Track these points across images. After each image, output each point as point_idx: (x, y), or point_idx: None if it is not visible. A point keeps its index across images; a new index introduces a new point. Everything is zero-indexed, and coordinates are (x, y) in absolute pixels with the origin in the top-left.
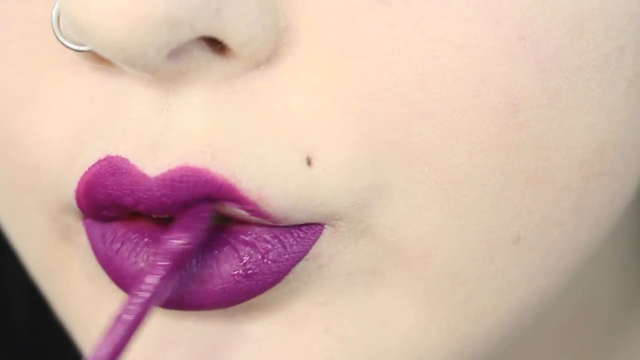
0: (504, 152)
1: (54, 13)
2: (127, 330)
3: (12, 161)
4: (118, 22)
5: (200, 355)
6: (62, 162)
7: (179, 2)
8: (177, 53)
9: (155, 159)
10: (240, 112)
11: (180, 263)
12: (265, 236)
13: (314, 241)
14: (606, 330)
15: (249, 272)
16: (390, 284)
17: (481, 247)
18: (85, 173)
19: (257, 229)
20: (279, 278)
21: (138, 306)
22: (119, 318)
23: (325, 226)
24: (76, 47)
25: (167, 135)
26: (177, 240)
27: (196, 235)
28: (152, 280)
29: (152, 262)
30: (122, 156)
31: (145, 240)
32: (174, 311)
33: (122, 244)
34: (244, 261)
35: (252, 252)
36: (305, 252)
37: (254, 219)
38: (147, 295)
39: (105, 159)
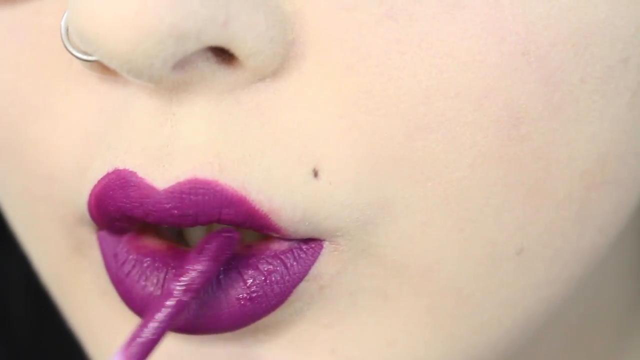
0: (506, 164)
1: (62, 23)
2: (140, 354)
3: (28, 171)
4: (124, 34)
5: None
6: (74, 173)
7: (185, 14)
8: (182, 64)
9: (163, 171)
10: (245, 123)
11: (200, 293)
12: (266, 257)
13: (313, 261)
14: (612, 335)
15: (253, 295)
16: (393, 305)
17: (485, 260)
18: (95, 186)
19: (261, 247)
20: (282, 300)
21: (153, 329)
22: (133, 339)
23: (325, 243)
24: (84, 57)
25: (173, 146)
26: (198, 269)
27: (219, 265)
28: (170, 303)
29: (171, 290)
30: (130, 169)
31: (156, 265)
32: (182, 335)
33: (134, 267)
34: (248, 284)
35: (256, 275)
36: (305, 272)
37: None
38: (164, 319)
39: (113, 172)
